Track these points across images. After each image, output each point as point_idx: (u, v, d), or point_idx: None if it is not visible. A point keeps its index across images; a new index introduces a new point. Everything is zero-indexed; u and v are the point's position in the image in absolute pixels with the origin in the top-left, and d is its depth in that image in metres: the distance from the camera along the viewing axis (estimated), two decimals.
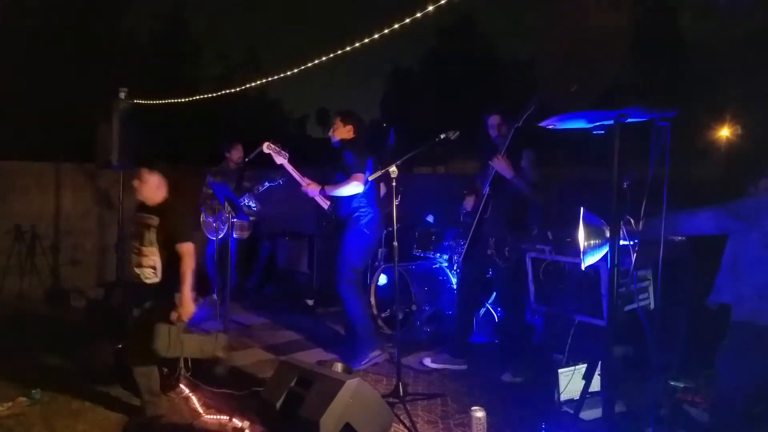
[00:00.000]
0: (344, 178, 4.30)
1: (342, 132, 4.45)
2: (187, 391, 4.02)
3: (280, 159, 4.42)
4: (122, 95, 5.50)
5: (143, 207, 3.64)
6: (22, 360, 4.57)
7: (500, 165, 3.98)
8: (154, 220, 3.54)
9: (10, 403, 3.73)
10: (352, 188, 4.25)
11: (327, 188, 4.36)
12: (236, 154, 6.04)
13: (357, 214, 4.33)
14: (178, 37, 21.00)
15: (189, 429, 3.57)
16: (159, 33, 20.68)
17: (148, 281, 3.54)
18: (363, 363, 4.29)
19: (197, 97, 5.51)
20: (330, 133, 4.54)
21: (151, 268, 3.54)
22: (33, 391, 3.86)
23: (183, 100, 5.52)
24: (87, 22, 17.41)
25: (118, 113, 5.43)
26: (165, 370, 4.07)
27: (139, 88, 5.78)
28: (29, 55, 15.92)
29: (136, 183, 3.64)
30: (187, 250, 3.50)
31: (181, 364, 4.11)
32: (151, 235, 3.53)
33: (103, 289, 6.32)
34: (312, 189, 4.39)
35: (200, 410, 3.76)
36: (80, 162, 7.20)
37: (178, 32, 21.13)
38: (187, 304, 3.46)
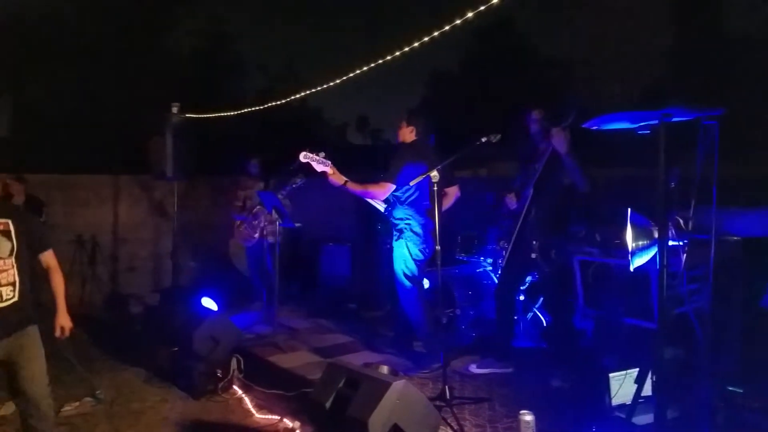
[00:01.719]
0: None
1: (404, 133, 4.38)
2: (240, 392, 4.15)
3: (321, 167, 4.24)
4: (174, 110, 5.73)
5: None
6: (86, 363, 4.79)
7: (559, 138, 3.85)
8: (8, 224, 2.92)
9: (77, 403, 3.95)
10: (374, 192, 4.21)
11: (350, 184, 4.22)
12: (255, 168, 6.29)
13: (401, 225, 4.29)
14: (221, 53, 21.60)
15: (242, 429, 3.69)
16: (203, 49, 21.33)
17: (5, 303, 2.86)
18: (420, 372, 4.25)
19: (245, 111, 5.69)
20: (396, 134, 4.49)
21: (10, 286, 2.89)
22: (97, 392, 4.06)
23: (231, 113, 5.72)
24: (137, 41, 18.14)
25: (170, 127, 5.65)
26: (219, 371, 4.22)
27: (188, 103, 6.01)
28: (86, 75, 16.69)
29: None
30: (53, 257, 3.11)
31: (234, 366, 4.26)
32: (10, 244, 2.90)
33: (159, 295, 6.58)
34: (334, 179, 4.21)
35: (253, 410, 3.88)
36: (136, 174, 7.53)
37: (221, 48, 21.75)
38: (67, 316, 3.10)
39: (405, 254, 4.26)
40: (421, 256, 4.28)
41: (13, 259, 2.88)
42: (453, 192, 4.61)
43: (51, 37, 17.32)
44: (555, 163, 3.98)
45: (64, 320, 3.07)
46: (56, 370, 4.52)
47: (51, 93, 17.43)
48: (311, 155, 4.23)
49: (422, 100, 25.02)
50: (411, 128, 4.36)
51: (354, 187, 4.23)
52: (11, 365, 2.86)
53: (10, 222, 2.90)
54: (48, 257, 3.07)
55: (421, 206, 4.28)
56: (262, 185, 6.09)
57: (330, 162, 4.24)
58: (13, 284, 2.88)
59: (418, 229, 4.25)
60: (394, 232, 4.35)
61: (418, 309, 4.31)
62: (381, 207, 4.45)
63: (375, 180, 4.27)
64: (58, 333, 3.08)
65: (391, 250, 4.46)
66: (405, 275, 4.28)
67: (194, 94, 14.49)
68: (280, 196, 5.47)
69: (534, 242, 4.12)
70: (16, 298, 2.88)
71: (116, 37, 17.77)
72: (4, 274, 2.85)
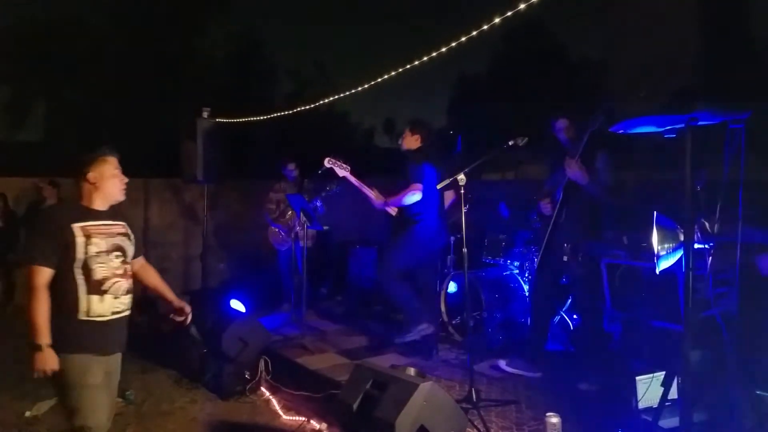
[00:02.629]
0: (404, 186, 4.49)
1: (410, 141, 4.62)
2: (268, 393, 4.23)
3: (342, 172, 4.64)
4: (205, 114, 5.86)
5: (100, 212, 2.63)
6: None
7: (574, 171, 3.92)
8: (127, 228, 2.73)
9: None
10: (409, 197, 4.44)
11: (389, 200, 4.57)
12: (290, 172, 6.37)
13: (412, 220, 4.50)
14: (252, 57, 21.94)
15: (270, 430, 3.75)
16: (233, 54, 21.70)
17: (125, 313, 2.67)
18: (408, 336, 4.49)
19: (274, 115, 5.79)
20: (399, 142, 4.73)
21: (130, 294, 2.68)
22: (127, 392, 4.16)
23: (261, 117, 5.82)
24: (169, 46, 18.54)
25: (201, 131, 5.78)
26: (247, 373, 4.30)
27: (218, 107, 6.14)
28: (118, 80, 17.11)
29: (116, 172, 2.65)
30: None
31: (262, 368, 4.33)
32: (133, 247, 2.72)
33: (188, 296, 6.72)
34: (378, 203, 4.61)
35: (280, 412, 3.95)
36: (167, 177, 7.70)
37: (251, 52, 22.09)
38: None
39: (408, 248, 4.51)
40: (427, 252, 4.60)
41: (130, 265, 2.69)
42: (450, 196, 4.93)
43: (85, 42, 17.80)
44: (576, 185, 4.01)
45: (182, 303, 2.89)
46: None
47: (84, 97, 17.91)
48: (334, 160, 4.61)
49: (449, 103, 24.98)
50: (416, 136, 4.61)
51: (394, 201, 4.54)
52: None
53: (126, 225, 2.71)
54: (142, 259, 2.89)
55: (432, 205, 4.54)
56: (296, 189, 6.19)
57: (349, 167, 4.61)
58: (130, 291, 2.67)
59: (427, 225, 4.51)
60: (403, 226, 4.55)
61: (398, 283, 4.50)
62: (393, 212, 4.70)
63: (402, 185, 4.51)
64: (189, 319, 2.89)
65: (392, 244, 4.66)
66: (397, 268, 4.50)
67: (225, 98, 14.76)
68: (316, 203, 5.61)
69: (565, 245, 4.11)
70: (130, 309, 2.67)
71: (149, 42, 18.18)
72: (127, 281, 2.63)
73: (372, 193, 4.63)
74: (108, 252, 2.55)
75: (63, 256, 2.45)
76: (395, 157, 4.85)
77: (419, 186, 4.42)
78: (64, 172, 7.77)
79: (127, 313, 2.66)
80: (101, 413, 2.55)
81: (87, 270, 2.49)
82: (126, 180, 2.70)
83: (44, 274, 2.42)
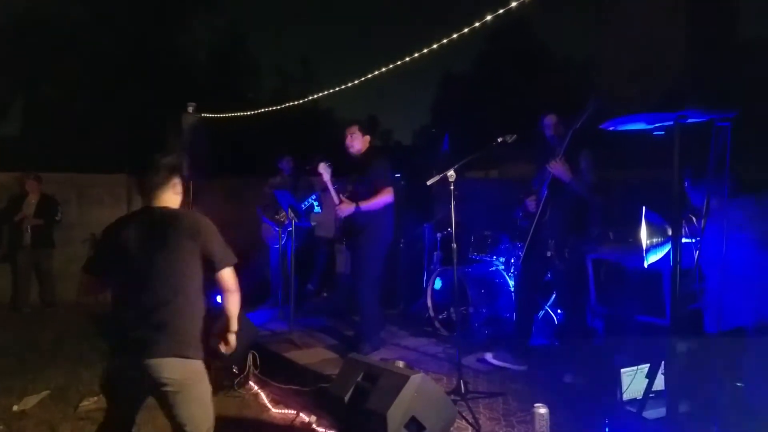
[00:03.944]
0: (371, 187, 4.49)
1: (362, 142, 4.68)
2: (256, 387, 4.23)
3: (326, 176, 4.75)
4: (190, 109, 5.83)
5: None
6: (104, 359, 4.87)
7: (557, 169, 3.99)
8: None
9: (95, 398, 4.02)
10: (386, 199, 4.46)
11: (362, 204, 4.46)
12: (287, 165, 6.34)
13: (371, 225, 4.52)
14: (236, 53, 21.74)
15: (258, 423, 3.76)
16: (219, 49, 21.48)
17: None
18: (366, 351, 4.49)
19: (261, 111, 5.78)
20: (348, 142, 4.71)
21: None
22: None
23: (247, 113, 5.80)
24: (152, 40, 18.30)
25: (186, 126, 5.75)
26: (235, 368, 4.29)
27: (204, 103, 6.10)
28: (100, 74, 16.84)
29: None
30: None
31: (250, 362, 4.33)
32: None
33: None
34: (345, 209, 4.48)
35: (269, 405, 3.96)
36: None
37: (236, 48, 21.88)
38: None
39: (375, 254, 4.56)
40: (385, 251, 4.67)
41: None
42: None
43: (64, 36, 17.48)
44: (560, 182, 4.07)
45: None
46: (75, 366, 4.67)
47: (64, 92, 17.60)
48: (325, 165, 4.70)
49: (435, 100, 25.05)
50: (367, 137, 4.72)
51: (367, 204, 4.46)
52: None
53: None
54: None
55: (388, 205, 4.57)
56: (292, 183, 6.17)
57: (330, 171, 4.70)
58: None
59: (386, 226, 4.58)
60: (365, 233, 4.54)
61: (376, 302, 4.62)
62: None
63: (367, 188, 4.52)
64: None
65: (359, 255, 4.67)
66: (373, 275, 4.56)
67: (210, 94, 14.59)
68: (312, 200, 5.60)
69: (550, 241, 4.18)
70: None
71: (131, 36, 17.93)
72: None
73: (337, 200, 4.59)
74: None
75: None
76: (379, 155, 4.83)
77: (392, 189, 4.47)
78: (42, 167, 7.65)
79: None
80: None
81: None
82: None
83: None
